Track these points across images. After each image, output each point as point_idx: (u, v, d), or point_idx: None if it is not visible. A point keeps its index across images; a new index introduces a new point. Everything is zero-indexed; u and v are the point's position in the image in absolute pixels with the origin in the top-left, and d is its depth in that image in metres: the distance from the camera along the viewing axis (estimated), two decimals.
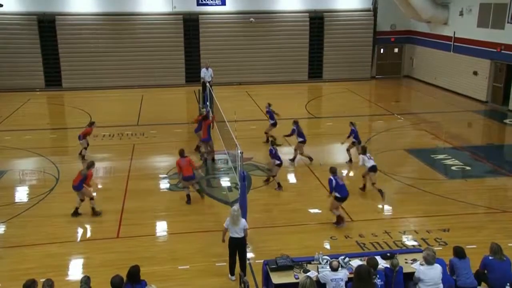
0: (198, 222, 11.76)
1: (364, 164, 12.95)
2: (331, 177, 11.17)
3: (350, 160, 15.64)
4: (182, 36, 27.87)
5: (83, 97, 25.67)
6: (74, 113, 22.80)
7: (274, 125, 17.27)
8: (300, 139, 15.30)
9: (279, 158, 13.46)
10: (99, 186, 13.95)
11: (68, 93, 26.82)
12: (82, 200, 12.07)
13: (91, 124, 16.49)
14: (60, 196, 13.27)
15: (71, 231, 11.44)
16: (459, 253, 8.05)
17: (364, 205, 12.69)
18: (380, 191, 12.76)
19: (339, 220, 11.38)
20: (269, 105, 17.37)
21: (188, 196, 12.75)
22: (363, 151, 13.17)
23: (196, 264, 9.92)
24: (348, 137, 15.29)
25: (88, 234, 11.47)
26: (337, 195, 11.17)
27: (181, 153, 12.84)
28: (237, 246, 9.13)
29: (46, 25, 26.61)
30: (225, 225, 9.15)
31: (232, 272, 9.31)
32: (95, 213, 12.07)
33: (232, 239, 9.10)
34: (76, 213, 12.03)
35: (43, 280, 7.34)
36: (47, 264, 9.89)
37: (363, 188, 13.39)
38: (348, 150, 15.64)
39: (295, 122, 15.42)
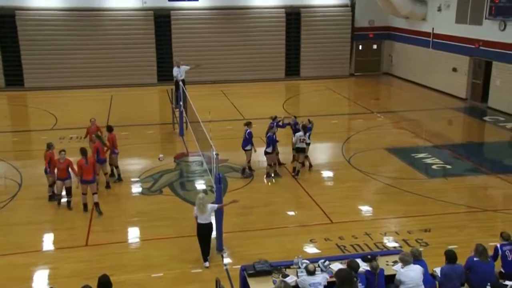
0: (172, 227, 11.70)
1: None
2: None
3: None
4: (153, 33, 27.68)
5: (48, 97, 25.24)
6: (38, 114, 22.40)
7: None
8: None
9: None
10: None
11: (31, 93, 26.32)
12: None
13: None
14: (24, 203, 13.04)
15: (36, 240, 11.23)
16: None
17: (343, 206, 12.81)
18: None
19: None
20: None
21: (85, 205, 12.46)
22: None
23: (171, 271, 9.87)
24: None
25: (55, 243, 11.26)
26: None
27: (83, 152, 12.32)
28: (204, 231, 9.87)
29: (6, 20, 26.07)
30: (193, 214, 9.98)
31: (205, 259, 9.98)
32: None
33: (198, 225, 9.84)
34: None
35: None
36: (10, 275, 9.69)
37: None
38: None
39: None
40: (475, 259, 8.15)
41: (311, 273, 7.72)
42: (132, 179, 14.63)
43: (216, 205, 10.15)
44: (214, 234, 10.34)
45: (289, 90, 27.91)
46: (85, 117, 18.54)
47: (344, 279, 7.22)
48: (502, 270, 8.64)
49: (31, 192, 13.61)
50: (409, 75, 28.54)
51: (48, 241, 11.31)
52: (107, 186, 13.87)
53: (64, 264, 10.18)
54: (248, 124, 14.75)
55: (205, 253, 10.01)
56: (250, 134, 14.51)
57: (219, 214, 10.34)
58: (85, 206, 12.45)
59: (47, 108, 22.76)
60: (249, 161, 14.84)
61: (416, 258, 7.97)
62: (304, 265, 8.24)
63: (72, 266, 10.10)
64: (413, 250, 8.19)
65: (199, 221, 9.84)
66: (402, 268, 7.83)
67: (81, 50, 27.02)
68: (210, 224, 9.92)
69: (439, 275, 8.07)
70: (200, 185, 14.35)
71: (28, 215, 12.37)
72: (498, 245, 8.68)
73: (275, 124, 14.86)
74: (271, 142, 14.28)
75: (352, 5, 29.63)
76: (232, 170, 15.19)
